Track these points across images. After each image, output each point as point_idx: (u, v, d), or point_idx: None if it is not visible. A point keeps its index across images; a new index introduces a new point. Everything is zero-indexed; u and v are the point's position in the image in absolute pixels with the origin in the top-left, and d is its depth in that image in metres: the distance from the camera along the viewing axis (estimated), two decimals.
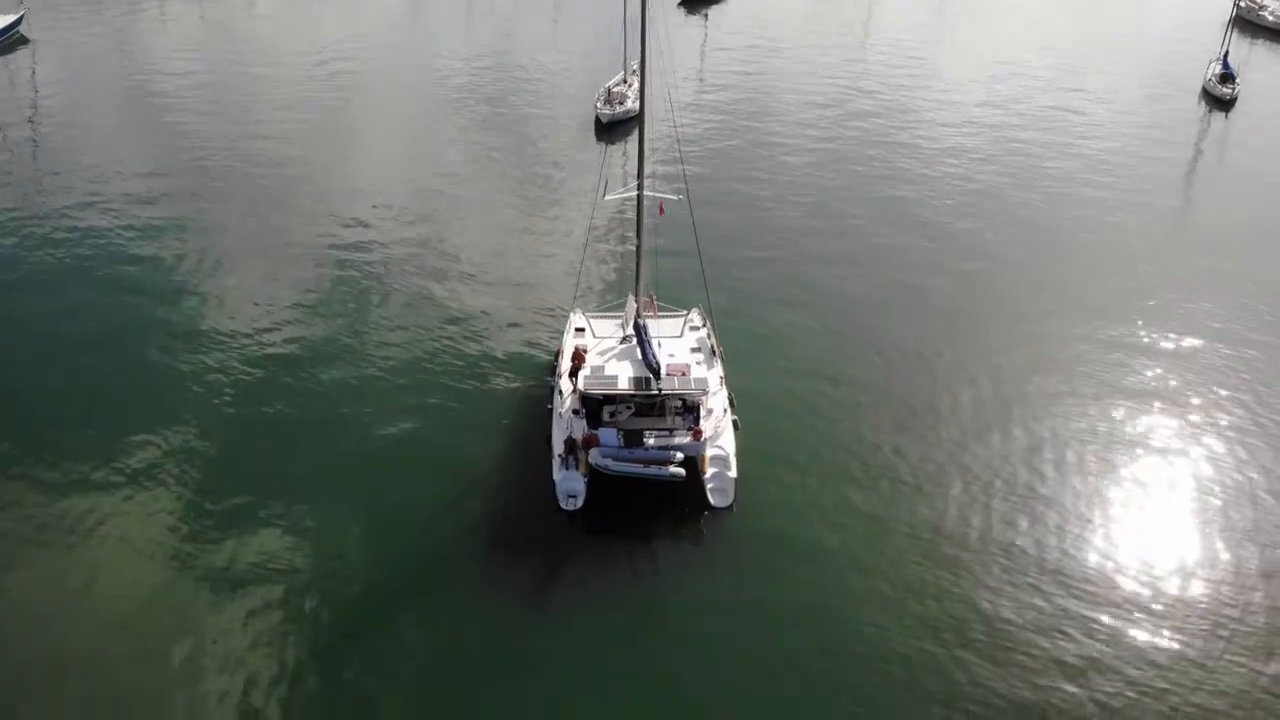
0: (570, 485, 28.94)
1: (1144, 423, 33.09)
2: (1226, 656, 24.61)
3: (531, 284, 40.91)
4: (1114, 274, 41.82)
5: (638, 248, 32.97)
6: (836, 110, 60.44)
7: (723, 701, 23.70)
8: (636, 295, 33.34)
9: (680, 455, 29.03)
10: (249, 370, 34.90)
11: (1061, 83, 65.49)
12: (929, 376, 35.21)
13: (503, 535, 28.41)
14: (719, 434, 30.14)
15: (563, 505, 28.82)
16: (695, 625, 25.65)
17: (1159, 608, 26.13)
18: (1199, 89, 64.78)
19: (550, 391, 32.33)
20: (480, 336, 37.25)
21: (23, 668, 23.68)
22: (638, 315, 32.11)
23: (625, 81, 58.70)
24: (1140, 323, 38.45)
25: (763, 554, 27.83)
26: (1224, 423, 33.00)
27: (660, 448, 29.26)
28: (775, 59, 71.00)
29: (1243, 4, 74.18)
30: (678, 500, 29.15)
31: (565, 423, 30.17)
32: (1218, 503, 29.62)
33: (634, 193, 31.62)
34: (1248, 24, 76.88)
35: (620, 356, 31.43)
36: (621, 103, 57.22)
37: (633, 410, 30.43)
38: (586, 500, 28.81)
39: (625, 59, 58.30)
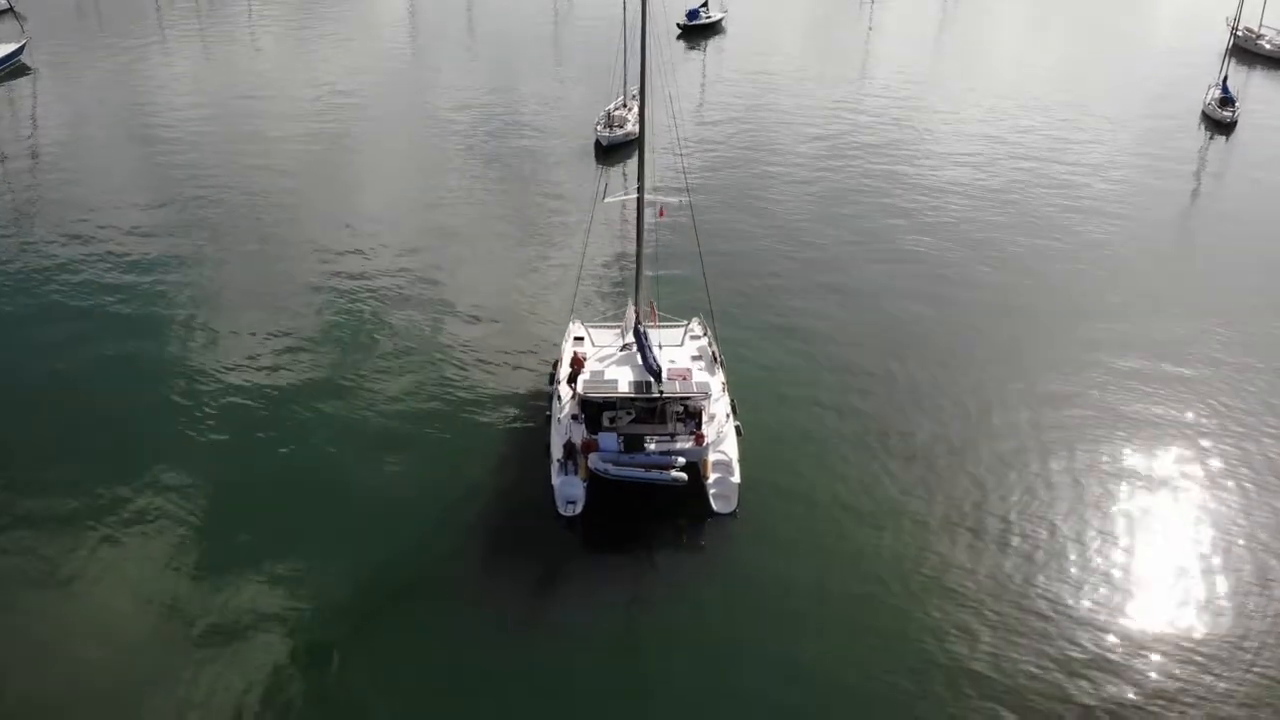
0: (569, 491, 28.21)
1: (1146, 446, 31.77)
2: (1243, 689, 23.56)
3: (530, 296, 40.54)
4: (1118, 293, 41.18)
5: (638, 253, 32.49)
6: (836, 137, 60.35)
7: (724, 711, 22.80)
8: (636, 303, 32.83)
9: (682, 460, 28.31)
10: (247, 382, 34.47)
11: (1061, 109, 65.46)
12: (936, 389, 34.59)
13: (500, 542, 27.65)
14: (722, 439, 29.46)
15: (561, 511, 28.06)
16: (697, 635, 24.80)
17: (1165, 634, 25.06)
18: (1199, 113, 64.75)
19: (549, 399, 31.70)
20: (478, 347, 36.71)
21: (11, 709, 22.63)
22: (638, 322, 31.56)
23: (625, 105, 58.68)
24: (1147, 345, 37.28)
25: (766, 562, 27.02)
26: (1232, 452, 31.40)
27: (662, 453, 28.54)
28: (773, 89, 71.12)
29: (1240, 33, 74.40)
30: (679, 506, 28.42)
31: (564, 428, 29.50)
32: (1233, 537, 28.05)
33: (634, 196, 31.17)
34: (1245, 52, 77.17)
35: (620, 362, 30.83)
36: (621, 126, 57.19)
37: (633, 416, 29.74)
38: (586, 506, 28.07)
39: (625, 84, 58.32)
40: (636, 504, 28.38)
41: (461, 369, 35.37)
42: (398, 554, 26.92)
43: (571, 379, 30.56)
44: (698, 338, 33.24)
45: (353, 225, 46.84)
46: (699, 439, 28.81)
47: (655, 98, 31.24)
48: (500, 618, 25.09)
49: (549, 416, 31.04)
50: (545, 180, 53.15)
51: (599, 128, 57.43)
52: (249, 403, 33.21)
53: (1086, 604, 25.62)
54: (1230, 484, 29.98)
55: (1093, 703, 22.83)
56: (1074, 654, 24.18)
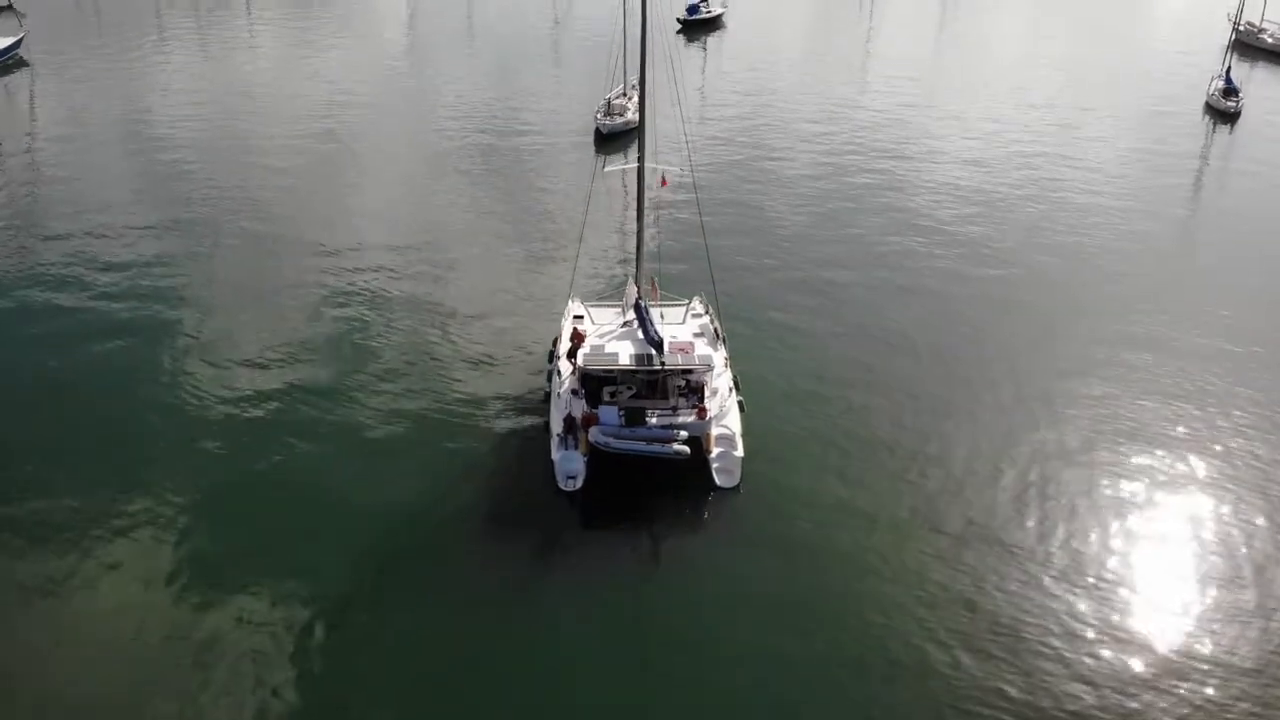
0: (569, 465, 27.68)
1: (1148, 445, 30.16)
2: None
3: (528, 276, 40.17)
4: (1124, 287, 40.14)
5: (639, 228, 32.00)
6: (838, 132, 59.92)
7: (726, 688, 22.15)
8: (637, 279, 32.35)
9: (684, 434, 27.81)
10: (246, 362, 33.91)
11: (1063, 102, 65.20)
12: (937, 367, 34.14)
13: (499, 517, 27.08)
14: (725, 414, 28.96)
15: (561, 486, 27.52)
16: (699, 610, 24.17)
17: (1164, 639, 23.72)
18: (1202, 104, 64.46)
19: (548, 377, 31.21)
20: (475, 327, 36.27)
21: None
22: (639, 298, 31.09)
23: (625, 95, 58.40)
24: (1154, 323, 36.91)
25: (770, 537, 26.42)
26: (1239, 454, 29.86)
27: (663, 427, 28.03)
28: (774, 83, 70.96)
29: (1241, 27, 74.27)
30: (681, 481, 27.87)
31: (564, 403, 28.97)
32: (1240, 545, 26.53)
33: (634, 166, 30.71)
34: (1247, 47, 76.96)
35: (621, 336, 30.35)
36: (621, 114, 56.95)
37: (634, 391, 29.25)
38: (586, 480, 27.51)
39: (624, 73, 58.01)
40: (638, 478, 27.82)
41: (459, 348, 34.86)
42: (395, 532, 26.32)
43: (571, 354, 30.07)
44: (699, 316, 32.72)
45: (351, 215, 46.28)
46: (701, 412, 28.31)
47: (656, 86, 30.80)
48: (498, 595, 24.47)
49: (548, 393, 30.55)
50: (544, 165, 52.93)
51: (599, 115, 57.14)
52: (247, 385, 32.53)
53: (1105, 593, 24.77)
54: (1236, 487, 28.47)
55: (1093, 706, 21.96)
56: (1081, 654, 23.29)
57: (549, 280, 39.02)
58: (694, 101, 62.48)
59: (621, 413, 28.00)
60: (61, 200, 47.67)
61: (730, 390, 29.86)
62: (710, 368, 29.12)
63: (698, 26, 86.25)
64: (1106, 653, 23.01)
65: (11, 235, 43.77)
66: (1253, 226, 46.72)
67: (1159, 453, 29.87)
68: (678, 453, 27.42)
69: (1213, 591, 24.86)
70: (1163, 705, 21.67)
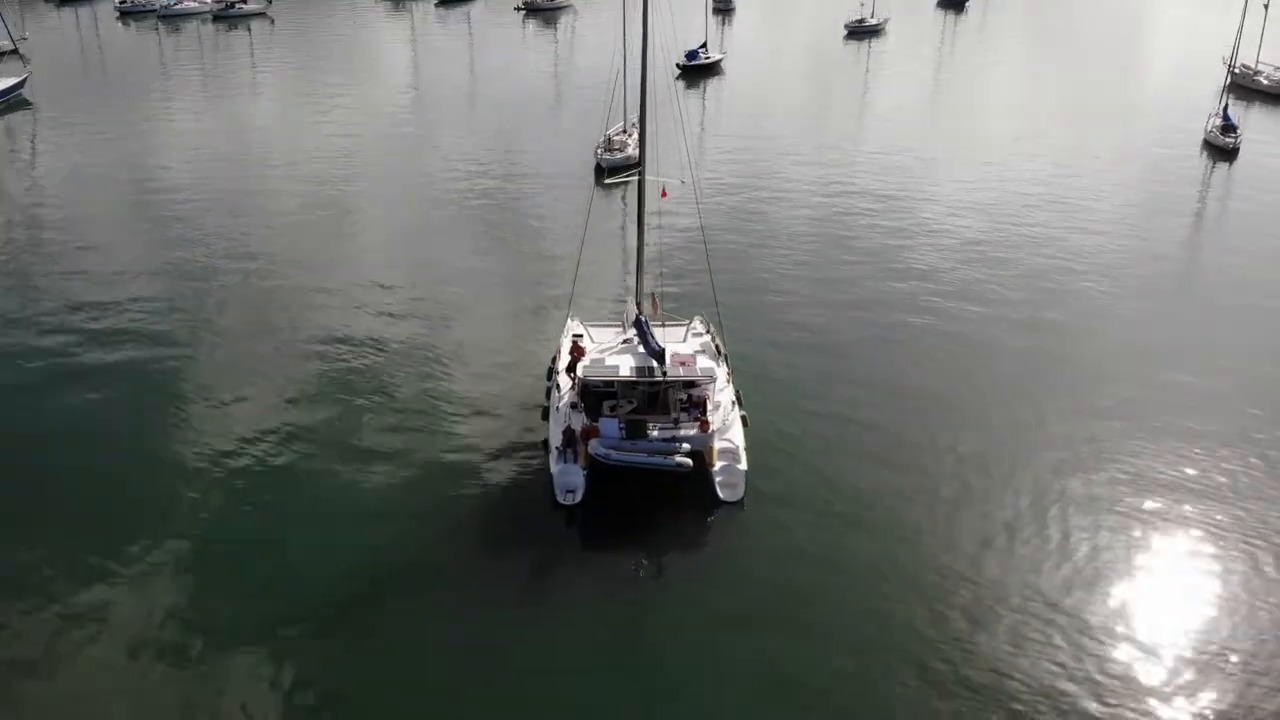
0: (568, 478, 26.92)
1: (1150, 471, 28.96)
2: None
3: (527, 297, 39.97)
4: (1127, 316, 39.36)
5: (639, 243, 31.56)
6: (839, 167, 60.00)
7: (729, 707, 21.24)
8: (638, 297, 31.84)
9: (686, 446, 27.08)
10: (241, 397, 33.44)
11: (1062, 141, 65.18)
12: (940, 389, 33.61)
13: (495, 532, 26.32)
14: (727, 427, 28.27)
15: (560, 500, 26.75)
16: (701, 628, 23.28)
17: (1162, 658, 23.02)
18: (1200, 140, 64.60)
19: (547, 394, 30.54)
20: (474, 346, 35.95)
21: None
22: (639, 314, 30.54)
23: (625, 131, 58.57)
24: (1152, 364, 35.32)
25: (774, 553, 25.66)
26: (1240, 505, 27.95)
27: (665, 439, 27.31)
28: (773, 124, 71.13)
29: (1237, 70, 74.66)
30: (683, 495, 27.12)
31: (563, 417, 28.29)
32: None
33: (634, 177, 30.35)
34: (1243, 89, 77.37)
35: (621, 351, 29.79)
36: (621, 149, 57.05)
37: (634, 405, 28.57)
38: (586, 494, 26.77)
39: (625, 112, 58.24)
40: (638, 492, 27.10)
41: (456, 367, 34.41)
42: (391, 548, 25.59)
43: (570, 368, 29.47)
44: (700, 335, 32.19)
45: (350, 252, 45.60)
46: (704, 425, 27.61)
47: (658, 126, 30.75)
48: (495, 610, 23.65)
49: (546, 408, 29.85)
50: (543, 196, 52.96)
51: (599, 151, 57.22)
52: (248, 407, 32.13)
53: (1090, 618, 23.71)
54: (1242, 532, 26.68)
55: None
56: (1073, 663, 22.47)
57: (547, 301, 38.68)
58: (694, 135, 62.53)
59: (622, 425, 27.28)
60: (57, 242, 46.33)
61: (733, 404, 29.19)
62: (713, 379, 28.50)
63: (697, 72, 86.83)
64: (1109, 667, 22.29)
65: (6, 275, 42.48)
66: (1256, 262, 45.81)
67: (1159, 491, 28.09)
68: (680, 465, 26.69)
69: (1214, 632, 23.55)
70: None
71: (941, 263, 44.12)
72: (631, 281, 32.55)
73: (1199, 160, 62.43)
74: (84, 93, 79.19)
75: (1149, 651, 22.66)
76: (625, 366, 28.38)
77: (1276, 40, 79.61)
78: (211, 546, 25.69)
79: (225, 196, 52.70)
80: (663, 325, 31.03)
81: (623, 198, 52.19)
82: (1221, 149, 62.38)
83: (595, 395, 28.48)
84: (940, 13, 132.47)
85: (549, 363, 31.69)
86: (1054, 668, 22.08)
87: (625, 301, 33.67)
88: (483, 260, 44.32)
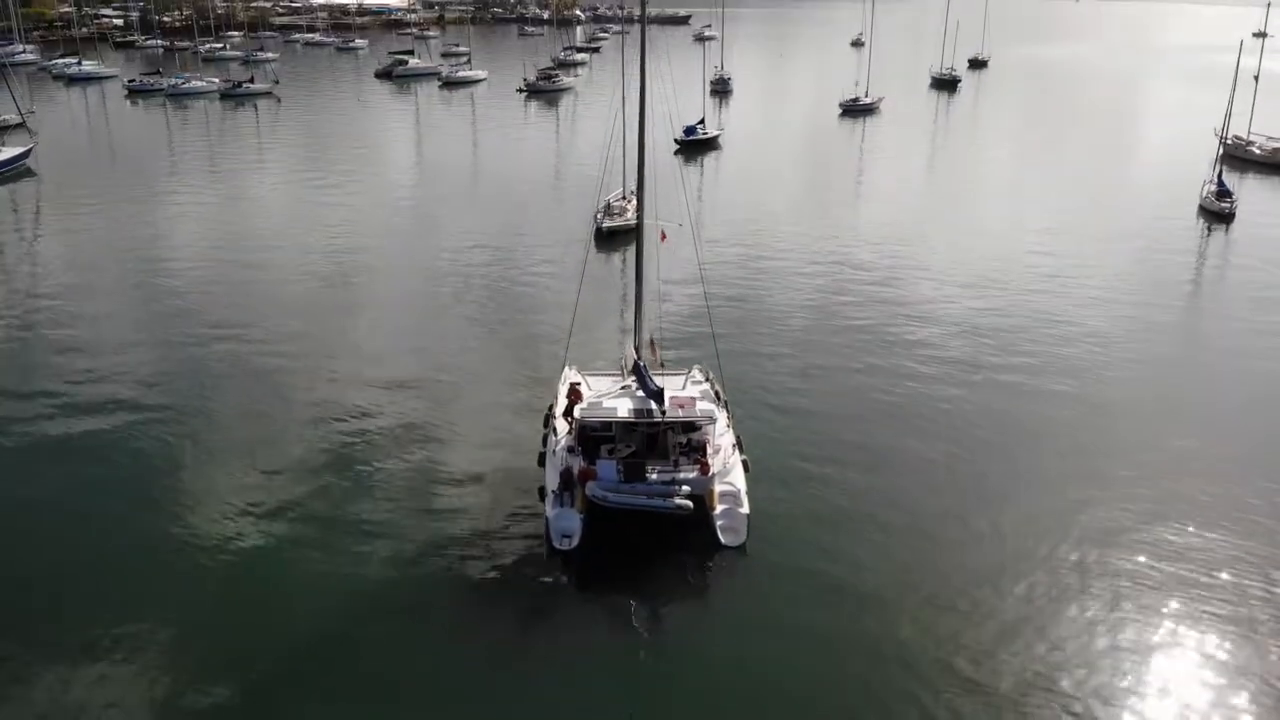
0: (564, 523, 26.04)
1: (1145, 535, 27.46)
2: None
3: (523, 348, 39.39)
4: (1127, 388, 37.76)
5: (638, 289, 31.24)
6: (837, 239, 59.91)
7: None
8: (636, 342, 31.39)
9: (687, 488, 26.31)
10: (243, 454, 32.47)
11: (1059, 213, 65.39)
12: (946, 444, 32.81)
13: (489, 579, 25.29)
14: (728, 470, 27.51)
15: (556, 545, 25.82)
16: (700, 680, 22.13)
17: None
18: (1196, 206, 64.96)
19: (543, 440, 29.85)
20: (473, 397, 35.28)
21: None
22: (637, 359, 30.05)
23: (624, 198, 59.04)
24: (1155, 428, 34.05)
25: (778, 600, 24.55)
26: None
27: (664, 482, 26.54)
28: (770, 196, 71.82)
29: (1229, 141, 75.61)
30: (683, 540, 26.19)
31: (560, 460, 27.56)
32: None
33: (632, 220, 30.14)
34: (1236, 159, 78.23)
35: (619, 395, 29.22)
36: (621, 214, 57.45)
37: (633, 449, 27.87)
38: (582, 539, 25.81)
39: (624, 179, 58.77)
40: (637, 537, 26.17)
41: (454, 418, 33.70)
42: (381, 596, 24.56)
43: (568, 412, 28.85)
44: (700, 383, 31.65)
45: (350, 318, 44.97)
46: (704, 468, 26.86)
47: (655, 183, 30.63)
48: (486, 660, 22.52)
49: (543, 454, 29.13)
50: (542, 259, 52.85)
51: (599, 216, 57.55)
52: (250, 463, 31.24)
53: (1095, 689, 22.15)
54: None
55: None
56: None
57: (544, 353, 38.08)
58: (693, 198, 62.76)
59: (620, 467, 26.54)
60: (53, 310, 44.42)
61: (734, 448, 28.49)
62: (713, 421, 27.88)
63: (695, 147, 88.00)
64: None
65: (4, 350, 40.53)
66: (1257, 324, 45.08)
67: (1163, 557, 26.31)
68: (680, 507, 25.88)
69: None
70: None
71: (940, 327, 43.09)
72: (630, 326, 32.11)
73: (1196, 226, 62.68)
74: (89, 165, 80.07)
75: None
76: (623, 408, 27.79)
77: (1267, 111, 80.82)
78: (206, 587, 24.76)
79: (226, 269, 51.33)
80: (662, 371, 30.51)
81: (621, 260, 52.20)
82: (1218, 214, 62.69)
83: (593, 439, 27.81)
84: (934, 93, 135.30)
85: (546, 411, 31.07)
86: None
87: (623, 348, 33.10)
88: (481, 320, 43.84)
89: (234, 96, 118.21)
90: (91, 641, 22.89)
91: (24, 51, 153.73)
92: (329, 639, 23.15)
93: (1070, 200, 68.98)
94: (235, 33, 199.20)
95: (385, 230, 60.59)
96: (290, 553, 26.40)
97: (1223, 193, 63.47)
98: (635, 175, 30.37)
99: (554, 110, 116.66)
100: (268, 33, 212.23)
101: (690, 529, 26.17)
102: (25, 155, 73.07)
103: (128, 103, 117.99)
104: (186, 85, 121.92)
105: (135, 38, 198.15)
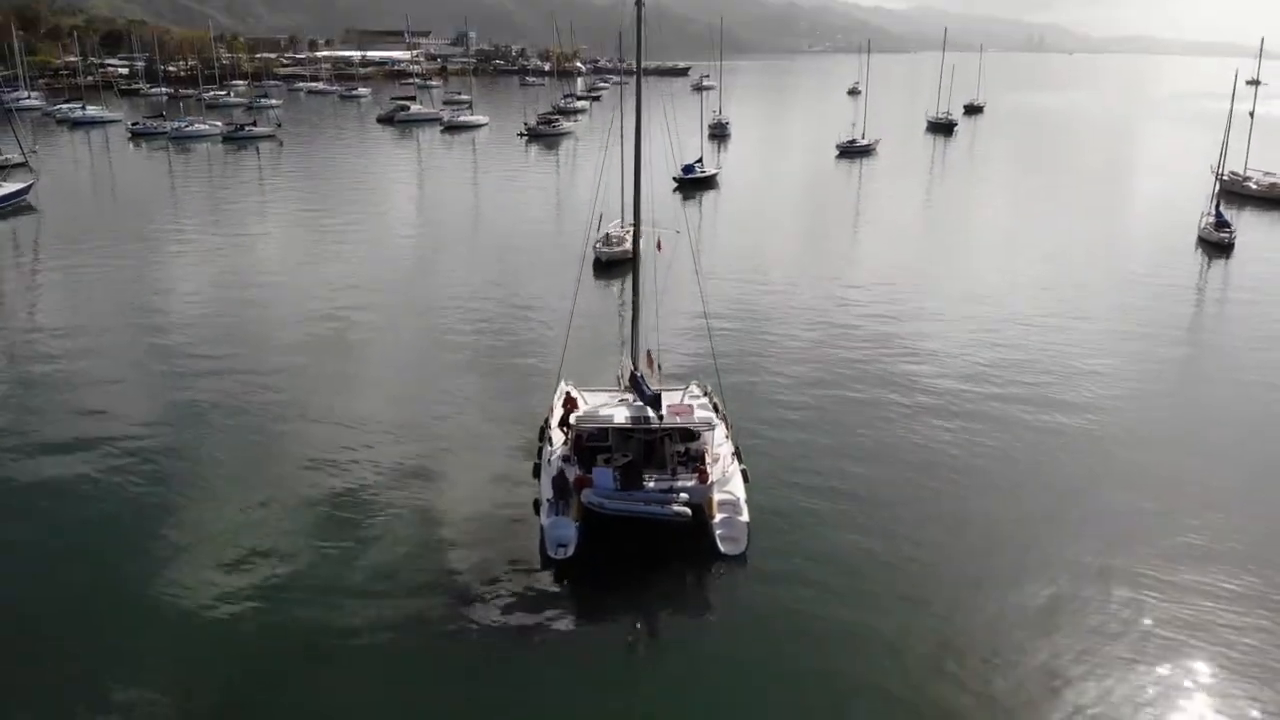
0: (560, 532, 25.41)
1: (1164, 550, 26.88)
2: None
3: (521, 366, 39.01)
4: (1130, 417, 36.61)
5: (634, 299, 30.89)
6: (835, 280, 59.58)
7: None
8: (634, 354, 30.97)
9: (685, 497, 25.73)
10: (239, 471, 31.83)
11: (1059, 246, 65.45)
12: (950, 461, 32.28)
13: (479, 589, 24.55)
14: (727, 479, 26.96)
15: (551, 554, 25.18)
16: (699, 692, 21.36)
17: None
18: (1195, 238, 64.97)
19: (538, 453, 29.32)
20: (464, 412, 34.90)
21: None
22: (634, 369, 29.64)
23: (623, 228, 59.04)
24: (1159, 456, 33.11)
25: (778, 611, 23.80)
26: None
27: (662, 490, 25.97)
28: (767, 234, 71.88)
29: (1226, 177, 75.89)
30: (681, 549, 25.56)
31: (555, 469, 27.02)
32: None
33: (629, 228, 29.88)
34: (1233, 194, 78.46)
35: (616, 404, 28.76)
36: (620, 244, 57.41)
37: (630, 459, 27.31)
38: (578, 548, 25.18)
39: (622, 212, 58.84)
40: (634, 546, 25.54)
41: (449, 432, 33.27)
42: (373, 607, 23.87)
43: (563, 421, 28.39)
44: (698, 398, 31.18)
45: (349, 354, 44.50)
46: (703, 475, 26.30)
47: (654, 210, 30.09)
48: (478, 672, 21.82)
49: (537, 465, 28.58)
50: (539, 287, 52.53)
51: (598, 245, 57.47)
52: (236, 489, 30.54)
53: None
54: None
55: None
56: None
57: (539, 371, 37.69)
58: (691, 230, 62.55)
59: (617, 474, 25.99)
60: (49, 351, 42.55)
61: (733, 458, 27.96)
62: (711, 428, 27.42)
63: (693, 185, 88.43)
64: None
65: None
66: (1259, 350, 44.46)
67: (1158, 570, 25.52)
68: (678, 514, 25.26)
69: None
70: None
71: (941, 354, 42.22)
72: (626, 337, 31.71)
73: (1195, 257, 62.60)
74: (90, 202, 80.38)
75: None
76: (620, 416, 27.33)
77: (1261, 153, 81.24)
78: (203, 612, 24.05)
79: (225, 306, 49.99)
80: (660, 383, 30.07)
81: (620, 289, 51.90)
82: (1217, 244, 62.69)
83: (589, 449, 27.30)
84: (930, 136, 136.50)
85: (540, 425, 30.59)
86: None
87: (620, 360, 32.53)
88: (477, 348, 43.08)
89: (236, 139, 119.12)
90: (78, 680, 21.48)
91: (28, 97, 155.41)
92: (320, 647, 22.46)
93: (1069, 233, 69.04)
94: (240, 82, 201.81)
95: (383, 264, 60.36)
96: (283, 560, 25.72)
97: (1221, 223, 63.55)
98: (633, 202, 29.89)
99: (554, 153, 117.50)
100: (272, 82, 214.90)
101: (688, 538, 25.55)
102: (26, 191, 73.36)
103: (130, 145, 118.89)
104: (189, 128, 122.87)
105: (140, 85, 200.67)
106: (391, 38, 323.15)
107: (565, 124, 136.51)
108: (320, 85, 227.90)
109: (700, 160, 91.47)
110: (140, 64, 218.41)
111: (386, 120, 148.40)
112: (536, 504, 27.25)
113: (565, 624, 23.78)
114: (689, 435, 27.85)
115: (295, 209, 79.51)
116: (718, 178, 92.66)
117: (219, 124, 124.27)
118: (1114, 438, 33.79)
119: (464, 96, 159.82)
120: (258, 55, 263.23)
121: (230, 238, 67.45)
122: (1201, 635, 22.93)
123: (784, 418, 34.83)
